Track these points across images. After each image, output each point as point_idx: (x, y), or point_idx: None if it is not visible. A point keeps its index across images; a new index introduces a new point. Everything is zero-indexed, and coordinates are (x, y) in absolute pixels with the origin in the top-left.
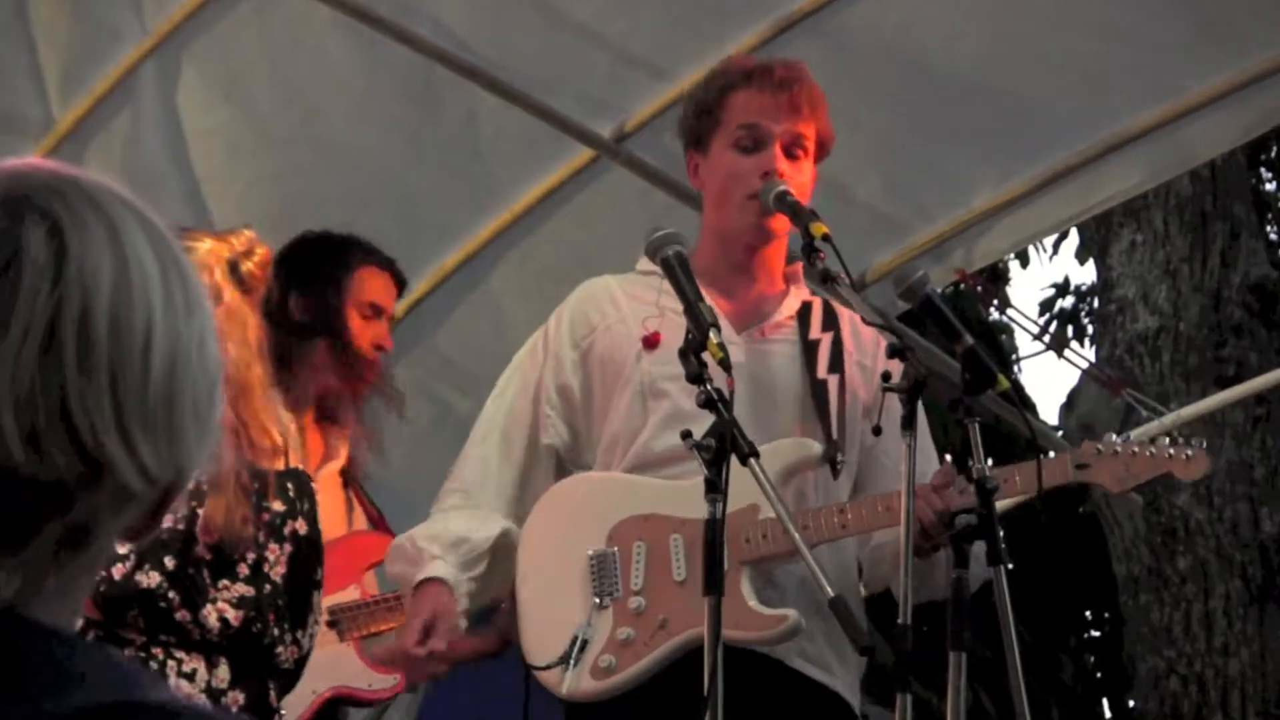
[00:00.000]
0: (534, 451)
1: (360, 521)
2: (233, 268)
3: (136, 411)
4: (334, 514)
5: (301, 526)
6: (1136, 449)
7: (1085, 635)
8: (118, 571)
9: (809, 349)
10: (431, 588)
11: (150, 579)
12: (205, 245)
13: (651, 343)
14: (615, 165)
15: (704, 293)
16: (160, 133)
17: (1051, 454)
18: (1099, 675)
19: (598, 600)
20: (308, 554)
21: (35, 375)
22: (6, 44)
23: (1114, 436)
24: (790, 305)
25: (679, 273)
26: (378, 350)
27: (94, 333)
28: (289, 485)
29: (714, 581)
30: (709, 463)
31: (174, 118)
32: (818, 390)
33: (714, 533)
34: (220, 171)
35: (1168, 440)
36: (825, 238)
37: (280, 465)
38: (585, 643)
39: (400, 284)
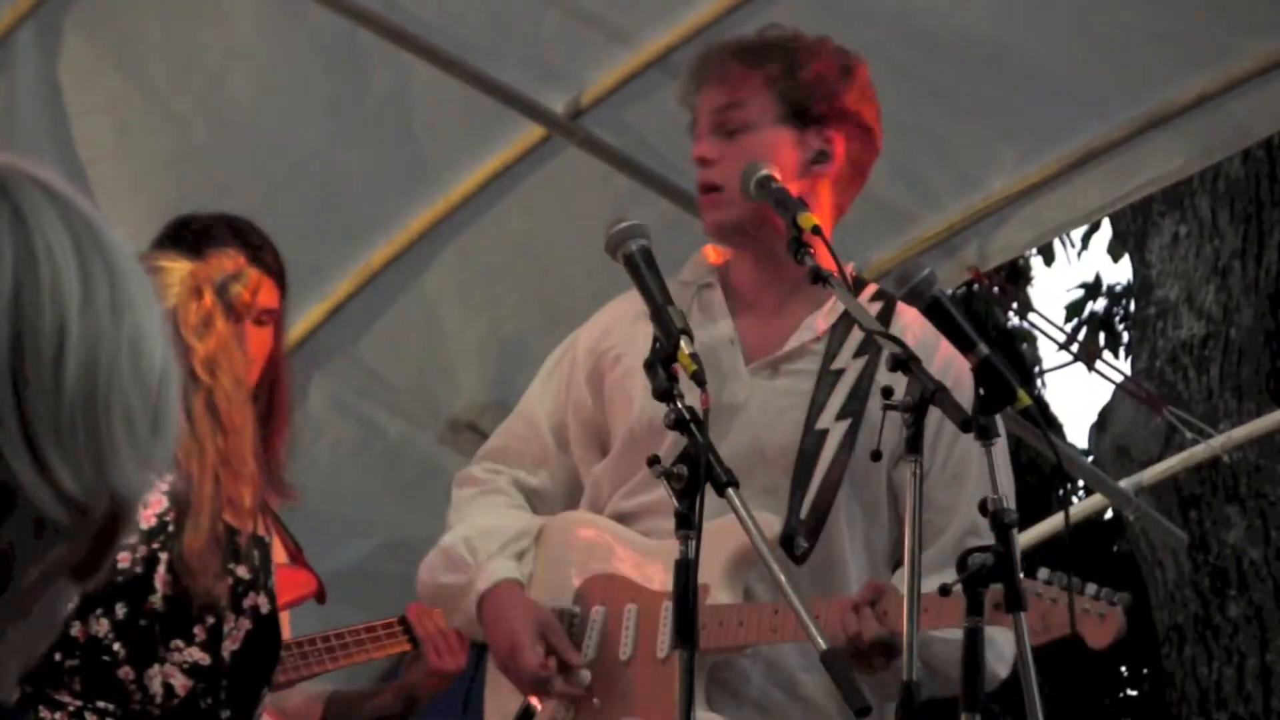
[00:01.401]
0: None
1: (279, 554)
2: (221, 292)
3: (48, 427)
4: None
5: (263, 603)
6: (1055, 598)
7: (1121, 694)
8: None
9: (822, 385)
10: (508, 592)
11: (99, 626)
12: (183, 266)
13: None
14: (570, 145)
15: (733, 319)
16: (39, 108)
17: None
18: None
19: None
20: (266, 638)
21: None
22: None
23: (1045, 572)
24: (820, 322)
25: (643, 271)
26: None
27: None
28: (255, 553)
29: (688, 634)
30: (679, 493)
31: (55, 91)
32: (809, 445)
33: (686, 577)
34: (109, 153)
35: (1095, 589)
36: (816, 230)
37: (249, 527)
38: (532, 714)
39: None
